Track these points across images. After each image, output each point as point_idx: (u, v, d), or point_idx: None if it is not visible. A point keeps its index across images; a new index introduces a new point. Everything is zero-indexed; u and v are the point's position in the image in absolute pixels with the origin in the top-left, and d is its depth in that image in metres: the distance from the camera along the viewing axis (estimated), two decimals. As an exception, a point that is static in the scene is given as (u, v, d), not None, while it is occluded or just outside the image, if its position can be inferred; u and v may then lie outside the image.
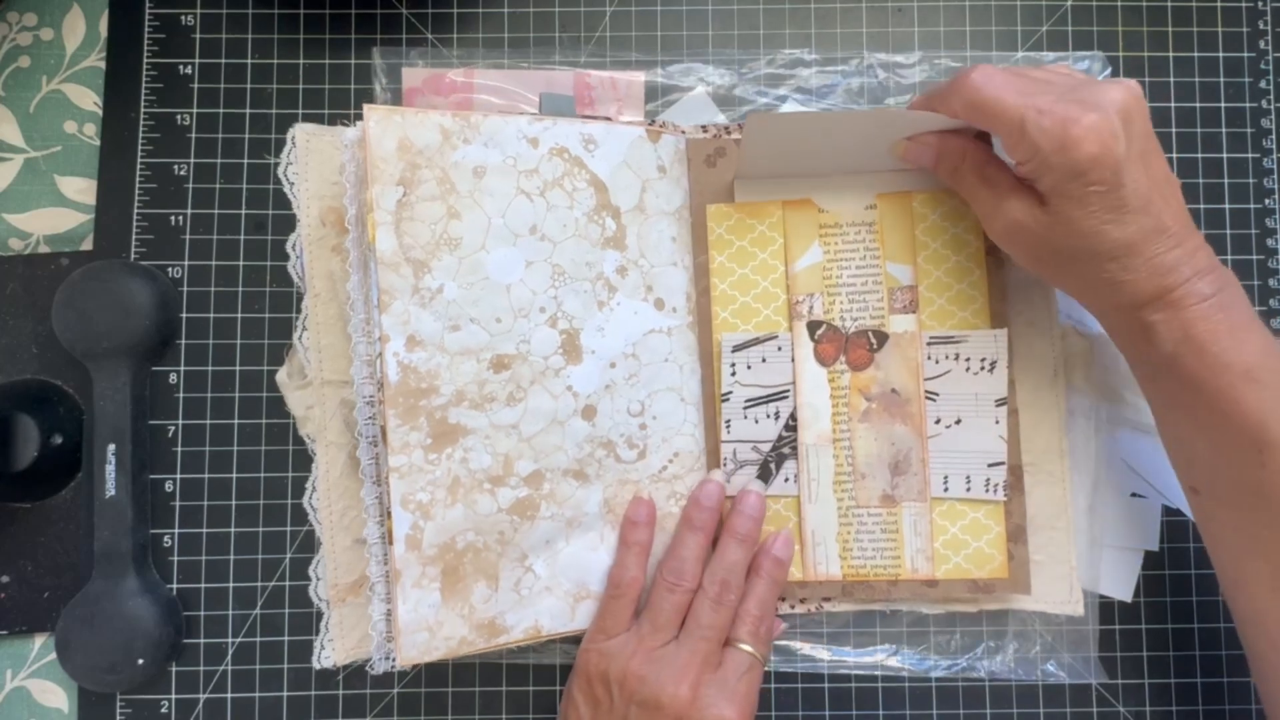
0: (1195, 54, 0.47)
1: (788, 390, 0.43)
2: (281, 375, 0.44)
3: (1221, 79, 0.46)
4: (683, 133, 0.44)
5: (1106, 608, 0.44)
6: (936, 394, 0.42)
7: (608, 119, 0.42)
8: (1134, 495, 0.44)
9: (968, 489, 0.42)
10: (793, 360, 0.43)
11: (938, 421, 0.42)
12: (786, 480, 0.43)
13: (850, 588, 0.43)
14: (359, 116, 0.42)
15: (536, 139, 0.40)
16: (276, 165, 0.44)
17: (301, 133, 0.43)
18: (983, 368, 0.42)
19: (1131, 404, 0.43)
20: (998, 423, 0.42)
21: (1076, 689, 0.44)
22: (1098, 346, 0.44)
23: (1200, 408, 0.35)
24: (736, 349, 0.43)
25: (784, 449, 0.43)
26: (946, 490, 0.42)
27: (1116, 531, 0.44)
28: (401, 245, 0.37)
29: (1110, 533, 0.44)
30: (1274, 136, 0.46)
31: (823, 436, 0.43)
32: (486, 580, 0.39)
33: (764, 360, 0.43)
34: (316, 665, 0.42)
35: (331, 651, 0.42)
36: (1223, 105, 0.46)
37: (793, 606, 0.43)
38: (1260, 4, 0.47)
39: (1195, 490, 0.38)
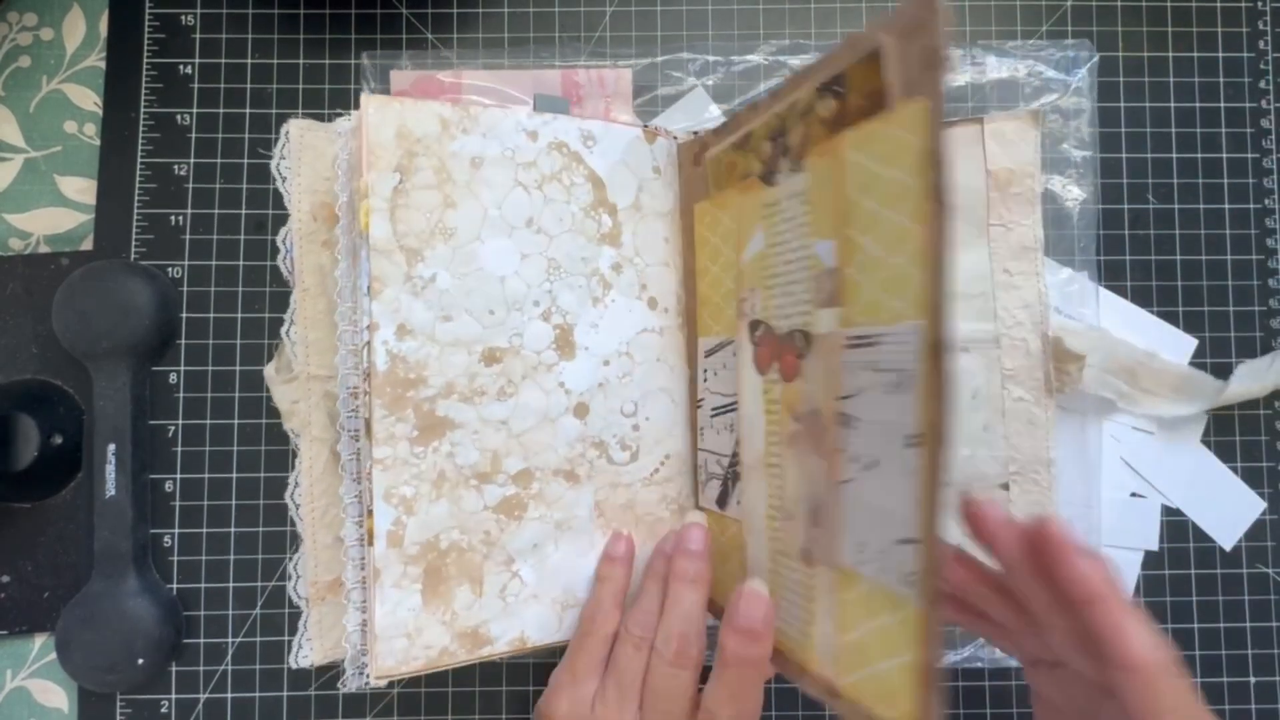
0: (1195, 54, 0.47)
1: (736, 401, 0.37)
2: (269, 370, 0.44)
3: (1221, 79, 0.46)
4: (675, 138, 0.44)
5: (1106, 608, 0.44)
6: (858, 420, 0.28)
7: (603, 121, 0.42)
8: (1134, 495, 0.44)
9: (880, 569, 0.27)
10: (740, 367, 0.37)
11: (855, 460, 0.28)
12: (739, 503, 0.37)
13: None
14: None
15: (536, 132, 0.40)
16: (270, 160, 0.44)
17: (295, 128, 0.43)
18: (899, 383, 0.26)
19: (1127, 395, 0.43)
20: (909, 475, 0.25)
21: (1076, 689, 0.44)
22: (1093, 340, 0.44)
23: None
24: (709, 354, 0.39)
25: (736, 467, 0.37)
26: (862, 563, 0.28)
27: (1116, 531, 0.44)
28: (396, 232, 0.37)
29: (1110, 533, 0.44)
30: (1274, 136, 0.46)
31: (757, 458, 0.35)
32: (471, 584, 0.38)
33: (725, 367, 0.38)
34: (294, 665, 0.42)
35: (310, 651, 0.42)
36: (1223, 105, 0.46)
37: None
38: (1260, 4, 0.47)
39: None
